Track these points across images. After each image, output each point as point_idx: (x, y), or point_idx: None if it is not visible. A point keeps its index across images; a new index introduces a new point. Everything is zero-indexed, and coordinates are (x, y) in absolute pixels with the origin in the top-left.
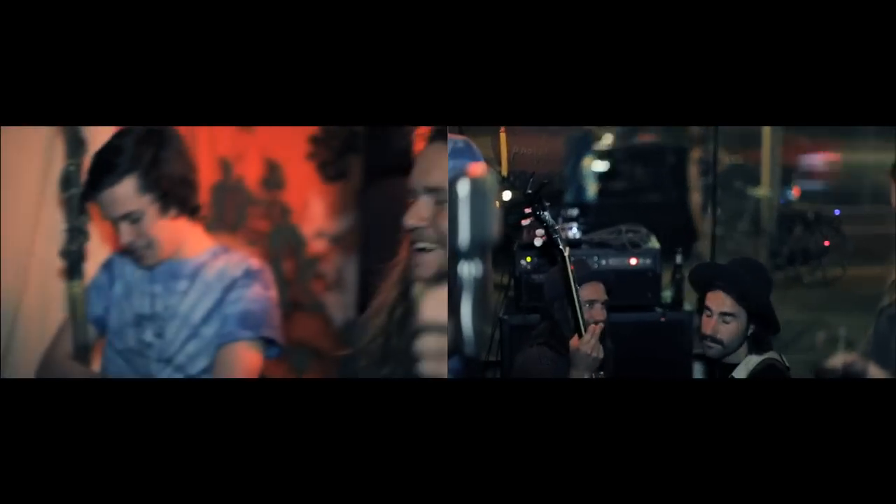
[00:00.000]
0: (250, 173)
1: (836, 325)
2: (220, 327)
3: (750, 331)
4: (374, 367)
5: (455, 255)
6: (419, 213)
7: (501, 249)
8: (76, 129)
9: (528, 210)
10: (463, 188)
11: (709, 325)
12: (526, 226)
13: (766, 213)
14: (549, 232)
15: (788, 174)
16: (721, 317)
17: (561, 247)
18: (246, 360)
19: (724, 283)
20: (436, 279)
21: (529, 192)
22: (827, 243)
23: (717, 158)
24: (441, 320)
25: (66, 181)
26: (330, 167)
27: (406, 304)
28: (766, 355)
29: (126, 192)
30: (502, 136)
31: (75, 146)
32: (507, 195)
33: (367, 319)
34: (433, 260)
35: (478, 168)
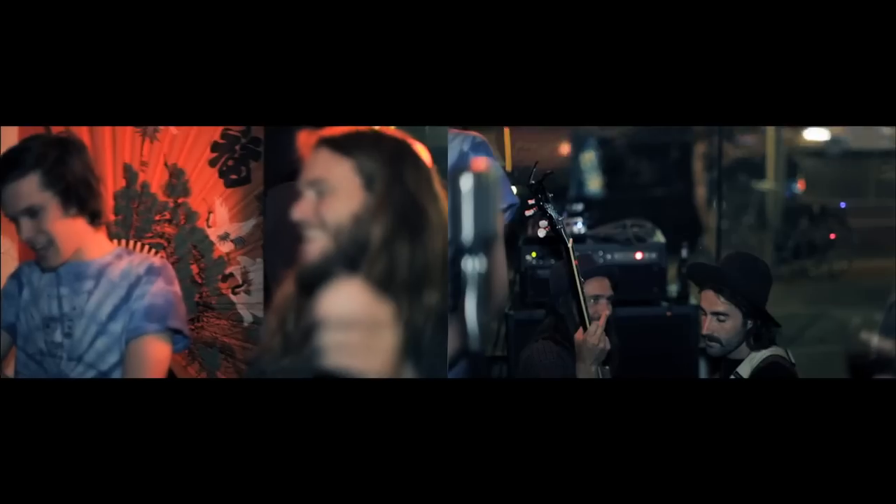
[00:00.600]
0: (154, 179)
1: (842, 318)
2: (128, 322)
3: (748, 327)
4: (275, 363)
5: (458, 251)
6: (302, 206)
7: (507, 245)
8: None
9: (531, 201)
10: (466, 183)
11: (706, 324)
12: (529, 217)
13: (772, 207)
14: (553, 223)
15: (794, 168)
16: (714, 316)
17: (565, 238)
18: (155, 353)
19: (714, 283)
20: (325, 269)
21: (532, 182)
22: (833, 236)
23: (721, 152)
24: (341, 314)
25: None
26: (232, 172)
27: (303, 300)
28: (769, 351)
29: (29, 186)
30: (506, 131)
31: None
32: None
33: (268, 318)
34: (318, 247)
35: (481, 163)
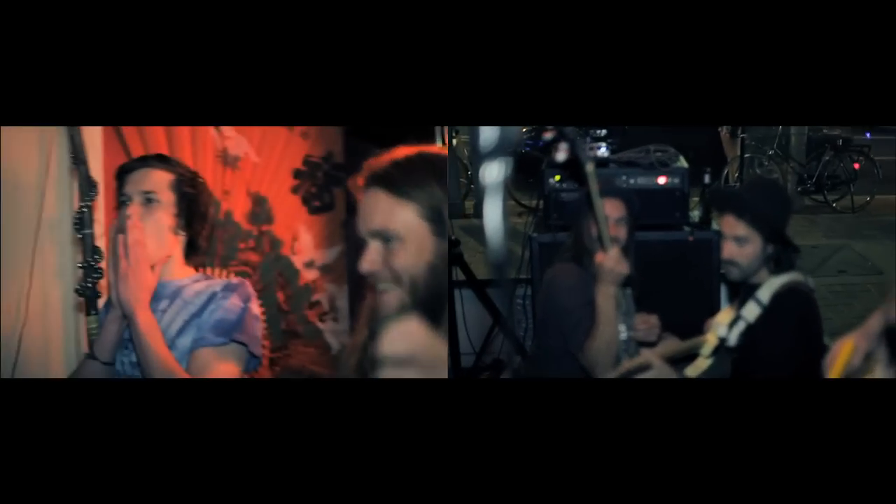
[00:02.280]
0: (237, 208)
1: (863, 250)
2: (195, 334)
3: (769, 252)
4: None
5: (478, 157)
6: (370, 257)
7: (531, 169)
8: (87, 170)
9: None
10: None
11: (725, 248)
12: (549, 140)
13: (795, 138)
14: (572, 147)
15: None
16: (734, 240)
17: (583, 162)
18: (216, 367)
19: (735, 207)
20: (399, 315)
21: None
22: (857, 166)
23: None
24: (398, 352)
25: (80, 222)
26: (315, 199)
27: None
28: (788, 276)
29: (161, 178)
30: None
31: (87, 188)
32: None
33: (345, 357)
34: (393, 300)
35: None
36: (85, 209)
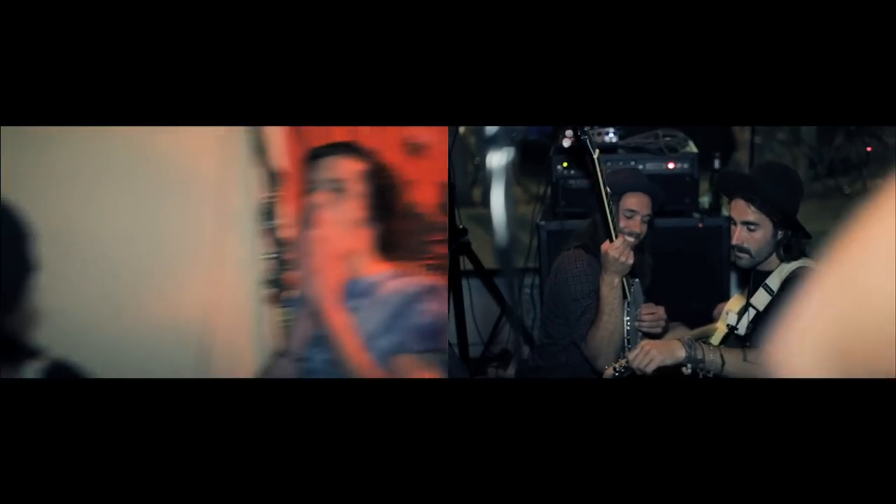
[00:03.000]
0: (426, 198)
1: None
2: (396, 337)
3: (779, 237)
4: None
5: (484, 145)
6: None
7: (538, 156)
8: (271, 162)
9: None
10: None
11: (735, 234)
12: (555, 127)
13: None
14: (577, 133)
15: None
16: (744, 226)
17: (590, 149)
18: (419, 375)
19: (745, 192)
20: None
21: None
22: (869, 149)
23: None
24: None
25: (267, 213)
26: None
27: None
28: (799, 263)
29: (351, 166)
30: None
31: (272, 180)
32: None
33: None
34: None
35: None
36: (270, 200)
